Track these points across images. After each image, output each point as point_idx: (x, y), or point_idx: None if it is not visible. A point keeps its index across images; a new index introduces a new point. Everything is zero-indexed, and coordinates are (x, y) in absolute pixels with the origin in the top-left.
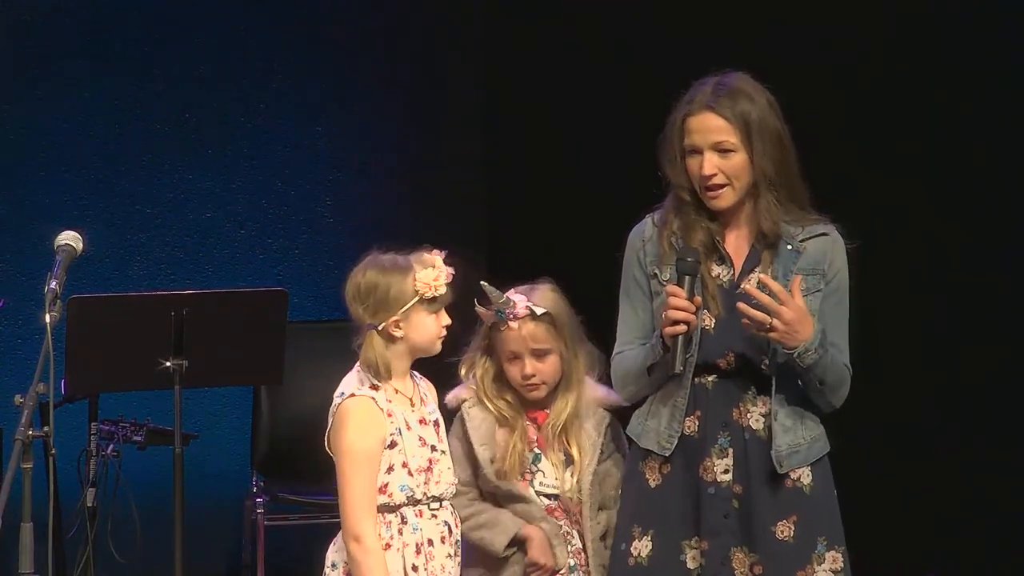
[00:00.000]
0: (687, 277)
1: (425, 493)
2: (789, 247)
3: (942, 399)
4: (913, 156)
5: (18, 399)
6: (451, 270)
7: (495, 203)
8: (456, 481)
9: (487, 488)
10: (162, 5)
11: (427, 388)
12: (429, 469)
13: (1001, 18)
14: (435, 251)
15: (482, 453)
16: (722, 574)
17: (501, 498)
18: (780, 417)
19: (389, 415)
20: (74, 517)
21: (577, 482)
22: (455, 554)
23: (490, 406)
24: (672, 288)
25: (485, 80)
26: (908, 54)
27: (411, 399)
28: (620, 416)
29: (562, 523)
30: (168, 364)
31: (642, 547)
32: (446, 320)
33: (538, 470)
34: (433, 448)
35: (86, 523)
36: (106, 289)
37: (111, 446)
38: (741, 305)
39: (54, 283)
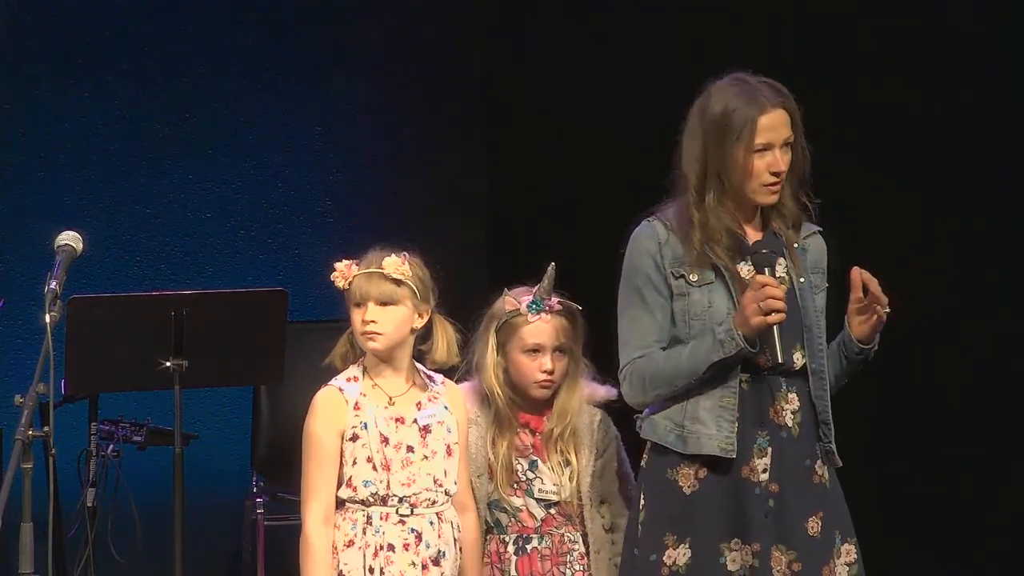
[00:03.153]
0: (767, 268)
1: (389, 491)
2: (796, 244)
3: (942, 399)
4: (913, 155)
5: (18, 399)
6: (350, 265)
7: (495, 204)
8: (446, 491)
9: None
10: (162, 5)
11: (444, 391)
12: (388, 468)
13: (1000, 17)
14: (402, 254)
15: (477, 486)
16: (763, 573)
17: (496, 510)
18: (825, 411)
19: (357, 408)
20: (74, 517)
21: (576, 485)
22: (424, 565)
23: (500, 401)
24: (764, 278)
25: (485, 81)
26: (908, 53)
27: (392, 397)
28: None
29: (563, 531)
30: (168, 364)
31: (678, 555)
32: (368, 315)
33: (536, 476)
34: (410, 449)
35: (86, 523)
36: (106, 289)
37: (111, 446)
38: (868, 283)
39: (54, 283)
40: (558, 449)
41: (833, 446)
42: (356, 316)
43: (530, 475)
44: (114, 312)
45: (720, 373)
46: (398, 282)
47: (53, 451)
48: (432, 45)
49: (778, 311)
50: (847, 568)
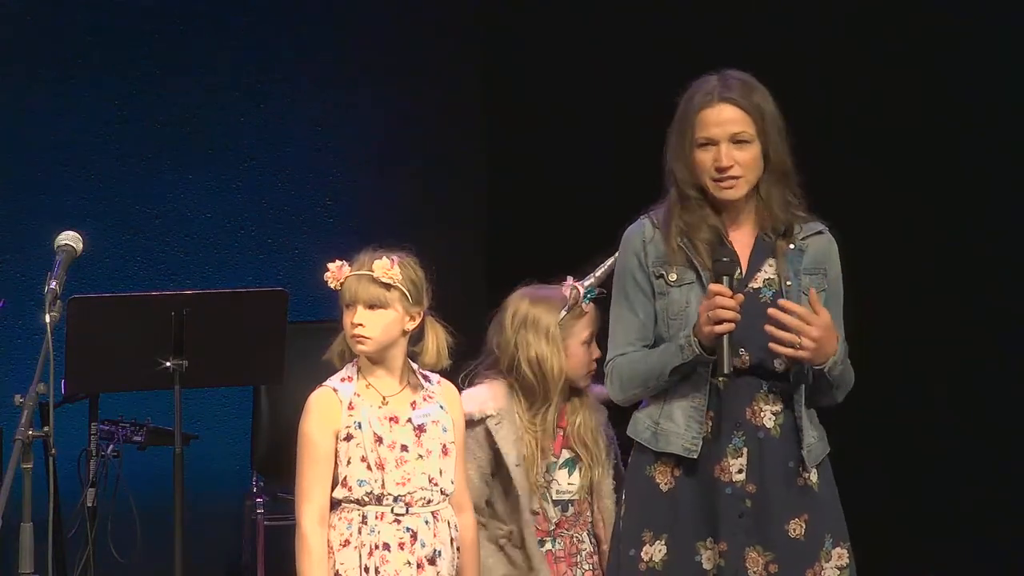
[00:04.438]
0: (725, 277)
1: (384, 491)
2: (791, 246)
3: (942, 398)
4: (909, 155)
5: (18, 399)
6: (341, 266)
7: (495, 203)
8: (441, 490)
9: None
10: (162, 6)
11: (439, 391)
12: (382, 467)
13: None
14: (393, 256)
15: (517, 475)
16: (737, 573)
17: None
18: (801, 416)
19: (351, 408)
20: (74, 517)
21: (594, 478)
22: (420, 564)
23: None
24: (717, 287)
25: (485, 80)
26: (906, 55)
27: (385, 396)
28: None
29: (572, 532)
30: (168, 364)
31: (654, 552)
32: (356, 318)
33: (552, 479)
34: (404, 448)
35: (86, 523)
36: (106, 289)
37: (111, 446)
38: (770, 328)
39: (54, 283)
40: (580, 442)
41: (804, 452)
42: (346, 318)
43: (548, 477)
44: (114, 312)
45: (692, 374)
46: (387, 286)
47: (53, 451)
48: (432, 46)
49: (728, 320)
50: (837, 572)
